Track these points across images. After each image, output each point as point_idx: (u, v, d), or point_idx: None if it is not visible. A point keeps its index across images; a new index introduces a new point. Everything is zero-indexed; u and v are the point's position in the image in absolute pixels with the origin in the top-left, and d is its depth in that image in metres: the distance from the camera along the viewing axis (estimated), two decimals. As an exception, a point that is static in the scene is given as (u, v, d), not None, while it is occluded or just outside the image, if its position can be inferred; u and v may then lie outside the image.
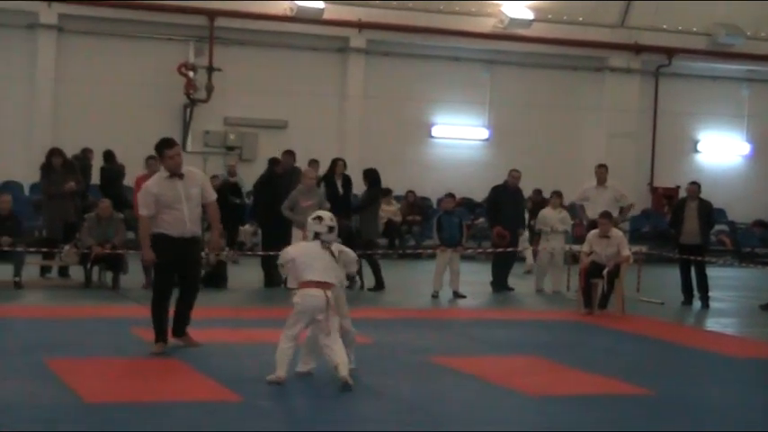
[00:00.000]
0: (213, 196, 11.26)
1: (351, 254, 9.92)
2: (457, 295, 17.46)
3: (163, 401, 8.75)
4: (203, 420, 8.19)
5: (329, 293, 9.46)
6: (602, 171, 18.76)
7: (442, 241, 17.73)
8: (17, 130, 25.91)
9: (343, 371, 9.25)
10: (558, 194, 20.39)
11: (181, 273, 11.03)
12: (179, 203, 10.73)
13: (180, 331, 11.08)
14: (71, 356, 10.59)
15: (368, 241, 18.05)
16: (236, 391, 9.09)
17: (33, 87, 26.09)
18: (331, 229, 9.68)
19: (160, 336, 10.86)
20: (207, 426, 8.07)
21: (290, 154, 19.01)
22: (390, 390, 9.55)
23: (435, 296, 17.44)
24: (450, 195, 19.04)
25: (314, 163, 19.97)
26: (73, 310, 14.42)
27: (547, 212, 19.73)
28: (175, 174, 10.78)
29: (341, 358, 9.33)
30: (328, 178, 18.70)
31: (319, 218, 9.74)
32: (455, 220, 17.98)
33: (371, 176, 18.71)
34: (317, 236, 9.65)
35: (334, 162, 19.00)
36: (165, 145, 10.94)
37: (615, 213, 18.29)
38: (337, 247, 9.76)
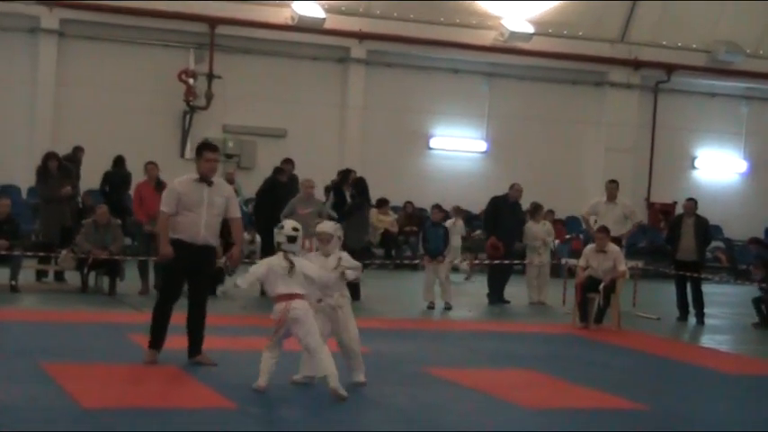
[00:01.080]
0: (238, 213, 11.06)
1: (308, 269, 9.55)
2: (446, 306, 17.49)
3: (159, 408, 8.77)
4: (198, 427, 8.21)
5: (295, 304, 9.37)
6: (612, 187, 18.76)
7: (427, 252, 17.79)
8: (17, 133, 25.90)
9: (332, 382, 9.23)
10: (539, 207, 20.33)
11: (189, 283, 10.80)
12: (199, 208, 10.57)
13: (194, 352, 10.75)
14: (68, 361, 10.59)
15: (351, 250, 17.99)
16: (230, 399, 9.12)
17: (34, 91, 26.11)
18: (291, 239, 9.52)
19: (154, 343, 10.68)
20: (203, 433, 8.10)
21: (289, 162, 19.14)
22: (387, 400, 9.57)
23: (431, 307, 17.48)
24: (437, 207, 18.89)
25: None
26: (69, 315, 14.43)
27: (532, 226, 19.69)
28: (205, 179, 10.68)
29: (328, 369, 9.26)
30: (338, 188, 18.80)
31: (281, 227, 9.63)
32: (440, 231, 17.98)
33: (359, 186, 18.77)
34: (278, 246, 9.54)
35: (347, 172, 19.12)
36: (207, 147, 10.93)
37: (623, 230, 18.36)
38: (300, 261, 9.53)
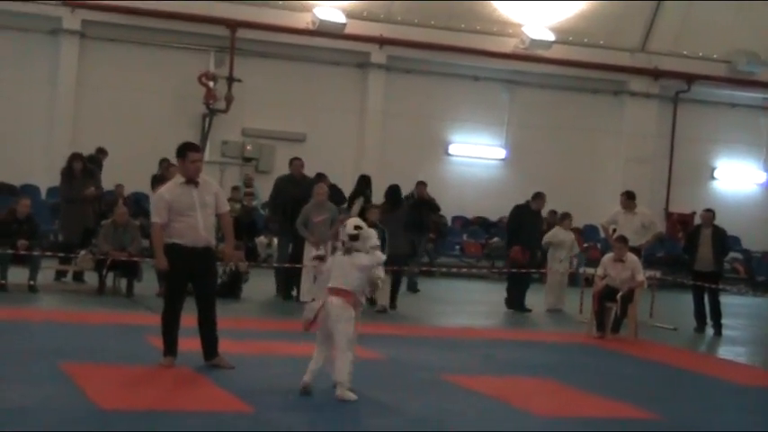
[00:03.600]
0: (226, 207, 11.06)
1: (362, 260, 9.67)
2: (379, 310, 17.06)
3: (176, 411, 8.79)
4: (215, 430, 8.23)
5: (334, 300, 9.48)
6: (622, 199, 18.77)
7: None
8: (37, 134, 26.08)
9: (339, 390, 9.34)
10: (568, 215, 20.30)
11: (196, 286, 10.74)
12: (193, 211, 10.46)
13: (210, 354, 10.72)
14: (86, 362, 10.63)
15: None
16: (248, 403, 9.13)
17: (54, 92, 26.26)
18: (352, 237, 9.65)
19: (169, 349, 10.64)
20: (218, 436, 8.13)
21: (297, 160, 19.04)
22: (400, 406, 9.57)
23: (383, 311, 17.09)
24: (375, 206, 17.93)
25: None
26: (87, 316, 14.50)
27: (559, 233, 19.70)
28: (192, 180, 10.56)
29: (340, 377, 9.37)
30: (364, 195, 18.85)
31: (344, 226, 9.85)
32: (377, 233, 17.44)
33: (387, 193, 18.74)
34: (343, 244, 9.74)
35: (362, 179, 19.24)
36: (190, 147, 10.71)
37: (642, 240, 18.31)
38: (357, 256, 9.67)
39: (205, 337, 10.74)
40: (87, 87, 26.40)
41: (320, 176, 18.66)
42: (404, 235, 18.24)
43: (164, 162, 21.32)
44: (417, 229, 20.58)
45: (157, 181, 20.80)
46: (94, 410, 8.52)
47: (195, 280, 10.72)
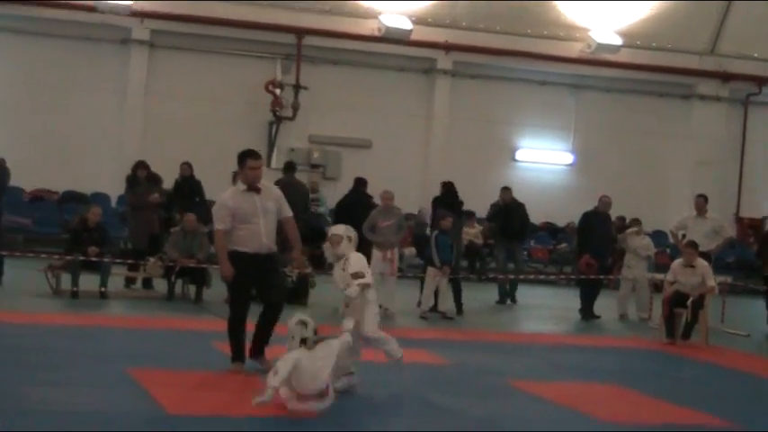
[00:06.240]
0: (289, 212, 10.96)
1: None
2: (444, 316, 17.00)
3: (243, 416, 8.81)
4: (282, 435, 8.27)
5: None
6: (700, 201, 18.50)
7: (435, 261, 17.06)
8: (107, 142, 26.38)
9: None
10: (637, 221, 20.12)
11: (261, 292, 10.77)
12: (255, 218, 10.50)
13: (258, 351, 10.77)
14: (154, 367, 10.72)
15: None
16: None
17: (124, 101, 26.56)
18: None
19: (238, 355, 10.69)
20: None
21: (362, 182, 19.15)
22: (466, 410, 9.53)
23: (425, 318, 16.82)
24: (449, 216, 17.73)
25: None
26: (156, 322, 14.63)
27: (631, 239, 19.47)
28: (253, 187, 10.58)
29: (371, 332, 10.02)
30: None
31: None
32: (449, 240, 17.24)
33: (445, 190, 18.69)
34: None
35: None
36: (249, 155, 10.68)
37: (712, 245, 18.01)
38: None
39: (260, 332, 10.75)
40: (156, 96, 26.68)
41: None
42: (461, 240, 18.14)
43: (184, 165, 21.29)
44: (517, 237, 20.69)
45: (177, 186, 20.85)
46: (163, 415, 8.58)
47: (260, 287, 10.76)
